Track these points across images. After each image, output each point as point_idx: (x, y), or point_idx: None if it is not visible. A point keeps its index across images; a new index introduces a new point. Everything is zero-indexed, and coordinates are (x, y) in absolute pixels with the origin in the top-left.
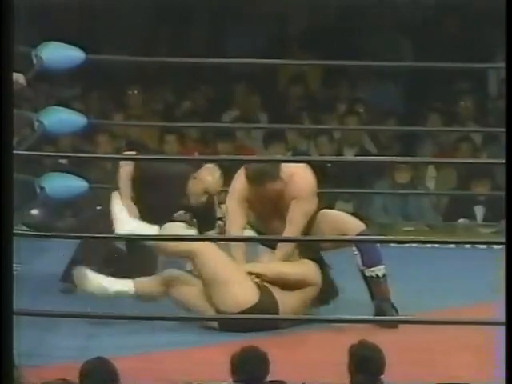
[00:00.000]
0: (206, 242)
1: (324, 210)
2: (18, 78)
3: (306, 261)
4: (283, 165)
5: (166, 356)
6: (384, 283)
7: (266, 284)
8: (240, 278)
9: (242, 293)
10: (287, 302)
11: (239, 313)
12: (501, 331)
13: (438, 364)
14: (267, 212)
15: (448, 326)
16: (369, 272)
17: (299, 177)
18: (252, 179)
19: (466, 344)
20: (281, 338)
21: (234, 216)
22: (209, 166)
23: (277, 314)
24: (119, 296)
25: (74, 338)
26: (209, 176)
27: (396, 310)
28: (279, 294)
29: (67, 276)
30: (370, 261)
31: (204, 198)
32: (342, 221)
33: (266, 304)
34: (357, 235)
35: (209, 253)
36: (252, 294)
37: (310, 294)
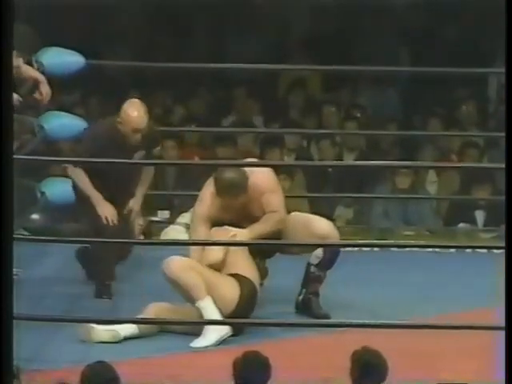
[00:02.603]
0: (189, 269)
1: (293, 213)
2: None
3: None
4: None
5: (168, 360)
6: (319, 283)
7: (233, 271)
8: (221, 278)
9: (227, 289)
10: (242, 268)
11: (234, 309)
12: (502, 336)
13: (438, 369)
14: (237, 217)
15: (449, 331)
16: (314, 270)
17: (259, 175)
18: (223, 191)
19: (467, 349)
20: (282, 342)
21: (198, 230)
22: (131, 100)
23: (255, 290)
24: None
25: (76, 343)
26: (133, 113)
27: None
28: (235, 267)
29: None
30: (326, 265)
31: (138, 137)
32: (311, 221)
33: (247, 287)
34: (325, 234)
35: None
36: (235, 286)
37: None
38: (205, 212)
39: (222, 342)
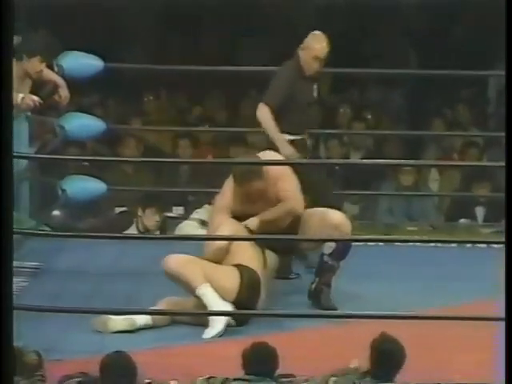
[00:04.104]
0: (181, 262)
1: (308, 210)
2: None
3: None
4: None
5: (183, 350)
6: (332, 273)
7: (235, 260)
8: (221, 269)
9: (227, 279)
10: (245, 258)
11: (236, 297)
12: (501, 328)
13: (441, 359)
14: (254, 207)
15: (450, 324)
16: (328, 260)
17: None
18: (240, 180)
19: (468, 341)
20: (291, 333)
21: (218, 219)
22: (315, 32)
23: (258, 277)
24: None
25: (93, 333)
26: (317, 44)
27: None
28: (238, 257)
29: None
30: (340, 255)
31: (316, 66)
32: (325, 213)
33: (248, 275)
34: (339, 223)
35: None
36: (235, 275)
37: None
38: (225, 204)
39: (232, 333)
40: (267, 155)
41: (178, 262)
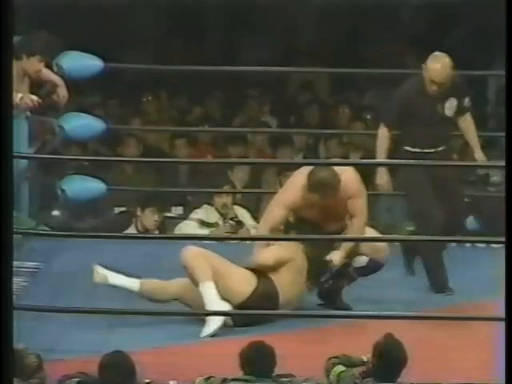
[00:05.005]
0: (198, 256)
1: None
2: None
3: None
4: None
5: (183, 350)
6: (349, 283)
7: (262, 270)
8: (236, 270)
9: (238, 282)
10: (283, 282)
11: (243, 302)
12: (501, 328)
13: (438, 360)
14: (318, 217)
15: (450, 324)
16: (352, 271)
17: (350, 178)
18: (316, 188)
19: (468, 341)
20: (290, 333)
21: (276, 212)
22: (437, 53)
23: (277, 295)
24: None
25: (92, 333)
26: (432, 65)
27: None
28: (275, 276)
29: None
30: (366, 272)
31: (434, 88)
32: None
33: (265, 288)
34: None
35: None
36: (249, 281)
37: (297, 267)
38: (290, 199)
39: (231, 333)
40: (346, 171)
41: (190, 253)
